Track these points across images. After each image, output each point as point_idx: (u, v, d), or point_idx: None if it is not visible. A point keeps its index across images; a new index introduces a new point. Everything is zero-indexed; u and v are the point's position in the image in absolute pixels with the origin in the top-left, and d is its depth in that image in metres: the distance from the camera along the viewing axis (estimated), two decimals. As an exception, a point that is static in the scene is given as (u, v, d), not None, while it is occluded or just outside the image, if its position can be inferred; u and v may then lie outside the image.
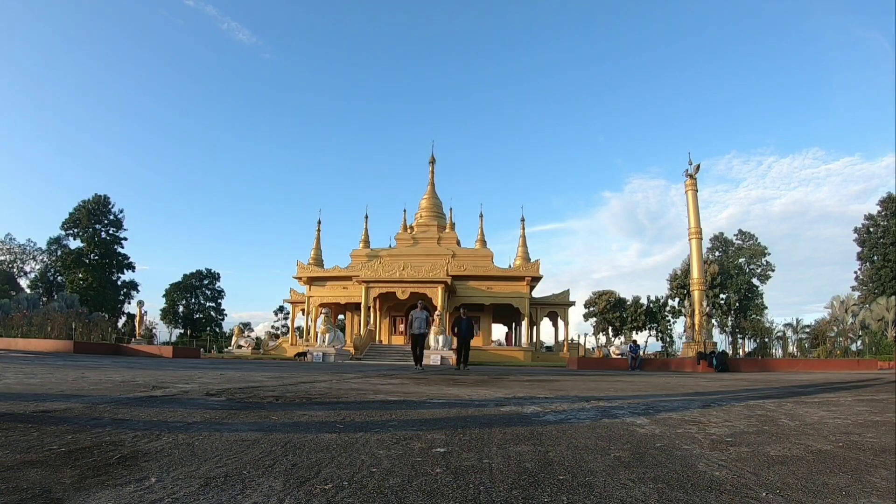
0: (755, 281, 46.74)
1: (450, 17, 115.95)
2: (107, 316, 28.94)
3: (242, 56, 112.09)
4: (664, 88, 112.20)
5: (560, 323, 34.52)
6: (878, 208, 40.95)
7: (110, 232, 48.78)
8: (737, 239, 49.55)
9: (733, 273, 45.35)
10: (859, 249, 42.20)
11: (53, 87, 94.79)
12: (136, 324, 23.69)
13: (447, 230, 38.25)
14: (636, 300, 49.22)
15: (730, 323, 43.34)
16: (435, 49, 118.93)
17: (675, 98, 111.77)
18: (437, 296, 29.36)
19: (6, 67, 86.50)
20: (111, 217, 48.78)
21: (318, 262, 36.89)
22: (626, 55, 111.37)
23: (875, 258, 40.33)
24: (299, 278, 33.95)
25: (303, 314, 34.71)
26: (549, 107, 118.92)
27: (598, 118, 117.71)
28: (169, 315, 56.55)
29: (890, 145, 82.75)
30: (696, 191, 19.58)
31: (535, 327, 35.35)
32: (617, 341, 38.18)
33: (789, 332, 40.67)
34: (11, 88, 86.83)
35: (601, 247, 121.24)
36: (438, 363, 20.21)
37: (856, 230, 42.50)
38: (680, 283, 44.00)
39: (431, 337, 21.76)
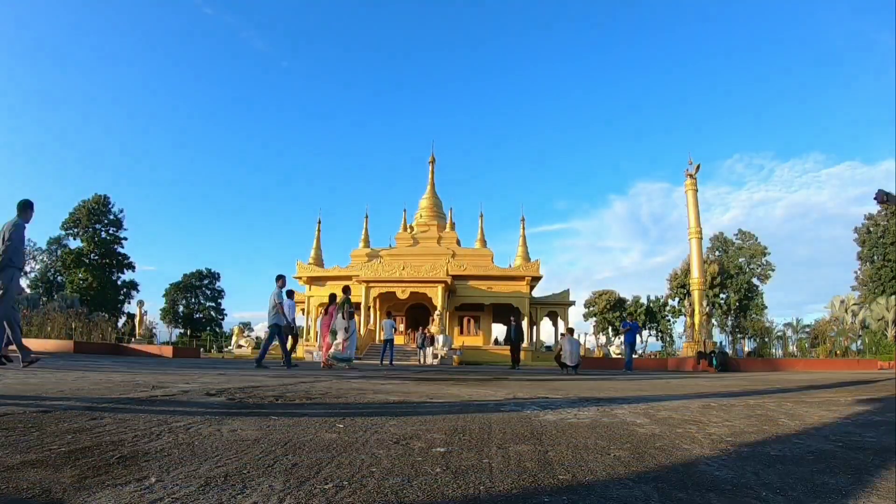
0: (755, 281, 46.71)
1: (453, 19, 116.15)
2: (107, 316, 28.95)
3: (248, 59, 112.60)
4: (668, 92, 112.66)
5: (560, 322, 34.54)
6: (878, 208, 40.90)
7: (110, 232, 48.77)
8: (737, 239, 49.51)
9: (733, 273, 45.32)
10: (859, 249, 42.17)
11: (56, 86, 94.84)
12: (136, 324, 23.70)
13: (447, 230, 38.26)
14: (636, 300, 49.24)
15: (730, 323, 43.31)
16: (438, 50, 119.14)
17: (680, 102, 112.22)
18: (437, 295, 29.35)
19: (10, 67, 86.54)
20: (111, 217, 48.78)
21: (318, 261, 36.91)
22: (631, 60, 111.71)
23: (875, 258, 40.30)
24: (299, 278, 33.96)
25: (303, 314, 34.71)
26: (553, 109, 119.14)
27: (603, 122, 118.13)
28: (169, 315, 56.55)
29: (890, 149, 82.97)
30: (696, 190, 19.57)
31: (535, 327, 35.37)
32: (617, 341, 38.19)
33: (789, 332, 40.65)
34: (12, 88, 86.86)
35: (604, 248, 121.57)
36: (438, 363, 20.24)
37: (856, 230, 42.48)
38: (680, 283, 43.99)
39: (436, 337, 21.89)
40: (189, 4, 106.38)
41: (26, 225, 6.23)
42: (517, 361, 15.80)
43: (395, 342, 34.42)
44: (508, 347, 16.97)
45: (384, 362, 16.25)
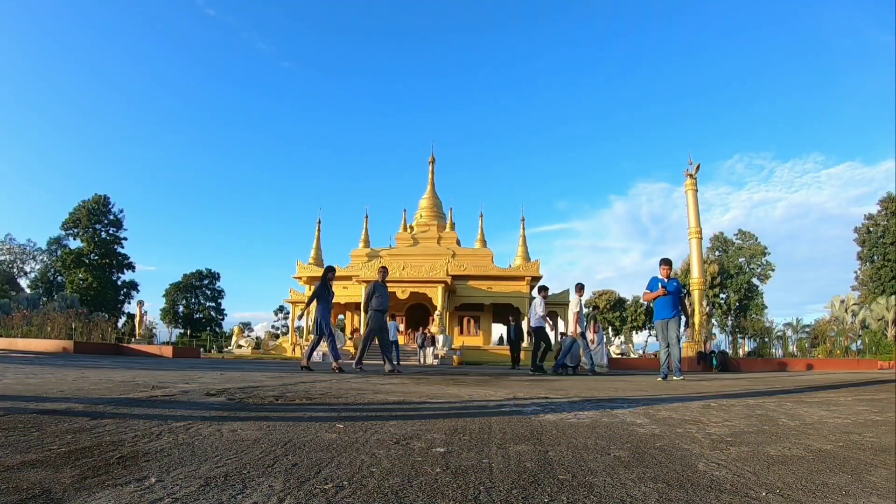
0: (755, 281, 46.72)
1: (454, 19, 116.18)
2: (107, 316, 28.94)
3: (249, 60, 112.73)
4: (669, 93, 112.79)
5: (560, 322, 34.52)
6: (878, 208, 40.92)
7: (110, 232, 48.79)
8: (737, 239, 49.51)
9: (733, 273, 45.33)
10: (859, 249, 42.17)
11: (57, 86, 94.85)
12: (136, 324, 23.70)
13: (447, 230, 38.26)
14: (636, 300, 49.25)
15: (730, 323, 43.30)
16: (438, 52, 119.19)
17: (680, 102, 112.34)
18: (437, 295, 29.35)
19: (11, 66, 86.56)
20: (111, 217, 48.79)
21: (318, 261, 36.90)
22: (632, 61, 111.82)
23: (875, 258, 40.30)
24: (299, 278, 33.95)
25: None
26: (553, 109, 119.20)
27: (604, 122, 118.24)
28: (169, 315, 56.57)
29: (890, 150, 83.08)
30: (696, 190, 19.57)
31: (535, 327, 35.30)
32: (617, 341, 38.19)
33: (789, 332, 40.66)
34: (13, 87, 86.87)
35: (604, 248, 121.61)
36: (438, 363, 20.24)
37: (856, 230, 42.48)
38: (680, 283, 43.96)
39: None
40: (191, 6, 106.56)
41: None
42: (517, 361, 15.86)
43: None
44: (508, 347, 17.02)
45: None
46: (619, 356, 29.47)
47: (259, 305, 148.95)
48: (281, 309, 67.01)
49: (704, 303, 19.14)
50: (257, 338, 39.99)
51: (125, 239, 49.73)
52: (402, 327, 35.54)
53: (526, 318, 12.24)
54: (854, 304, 32.90)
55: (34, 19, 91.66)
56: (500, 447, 1.84)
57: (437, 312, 24.81)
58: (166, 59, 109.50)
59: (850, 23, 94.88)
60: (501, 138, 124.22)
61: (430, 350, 20.96)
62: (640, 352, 37.72)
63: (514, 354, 15.98)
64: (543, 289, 11.35)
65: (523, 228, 38.69)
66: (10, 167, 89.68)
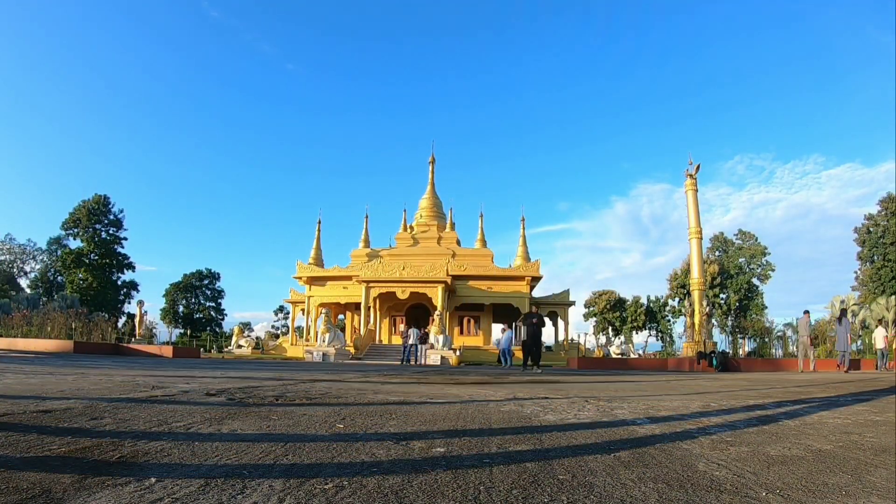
0: (755, 281, 46.71)
1: (454, 20, 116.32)
2: (107, 316, 28.93)
3: (252, 61, 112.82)
4: (670, 94, 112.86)
5: (560, 322, 34.52)
6: (878, 208, 40.92)
7: (110, 232, 48.75)
8: (737, 239, 49.48)
9: (733, 273, 45.33)
10: (859, 249, 42.17)
11: (59, 86, 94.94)
12: (137, 324, 23.67)
13: (447, 230, 38.25)
14: (636, 300, 49.23)
15: (730, 323, 43.27)
16: (439, 52, 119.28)
17: (681, 103, 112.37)
18: (437, 296, 29.35)
19: (14, 67, 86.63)
20: (111, 217, 48.75)
21: (318, 261, 36.89)
22: (633, 62, 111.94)
23: (875, 258, 40.30)
24: (299, 278, 33.93)
25: (303, 314, 34.68)
26: (555, 110, 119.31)
27: (605, 123, 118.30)
28: (169, 315, 56.53)
29: (890, 151, 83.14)
30: (696, 190, 19.56)
31: (535, 327, 35.28)
32: (617, 341, 38.21)
33: (789, 332, 40.60)
34: (14, 88, 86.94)
35: (605, 248, 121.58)
36: (438, 363, 20.25)
37: (856, 230, 42.46)
38: (680, 283, 44.02)
39: (432, 336, 21.97)
40: (195, 8, 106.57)
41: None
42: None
43: (395, 342, 34.42)
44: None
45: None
46: (620, 356, 29.49)
47: (259, 305, 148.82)
48: (281, 309, 66.94)
49: (704, 303, 19.13)
50: (257, 338, 39.94)
51: (125, 239, 49.72)
52: (401, 327, 35.61)
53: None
54: (854, 304, 32.90)
55: (36, 20, 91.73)
56: (500, 447, 1.84)
57: (437, 312, 24.77)
58: (169, 60, 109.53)
59: (851, 24, 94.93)
60: (502, 138, 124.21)
61: (425, 348, 21.13)
62: (640, 352, 37.78)
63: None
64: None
65: (523, 229, 38.72)
66: (10, 167, 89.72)
